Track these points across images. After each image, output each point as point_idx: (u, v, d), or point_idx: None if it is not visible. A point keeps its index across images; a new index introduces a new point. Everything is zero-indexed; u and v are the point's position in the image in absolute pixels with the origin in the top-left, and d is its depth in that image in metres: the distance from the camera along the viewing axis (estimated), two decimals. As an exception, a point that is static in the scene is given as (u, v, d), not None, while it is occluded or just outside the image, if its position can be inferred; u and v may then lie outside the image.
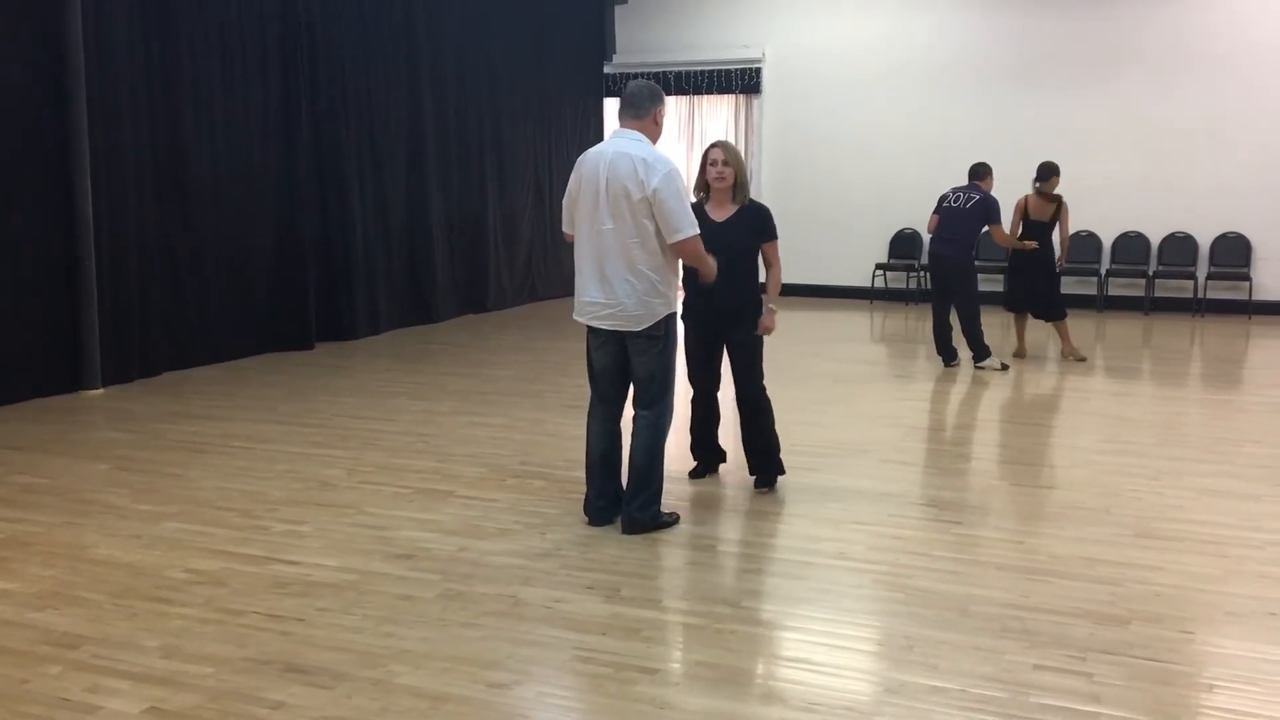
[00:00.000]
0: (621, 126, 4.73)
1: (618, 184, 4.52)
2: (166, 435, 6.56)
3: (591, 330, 4.79)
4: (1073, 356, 9.28)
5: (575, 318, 4.82)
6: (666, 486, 4.95)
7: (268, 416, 7.08)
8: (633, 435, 4.82)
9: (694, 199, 5.24)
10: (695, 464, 5.71)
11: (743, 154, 5.20)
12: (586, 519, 4.89)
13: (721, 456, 5.74)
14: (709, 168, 5.21)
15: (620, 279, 4.60)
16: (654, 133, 4.72)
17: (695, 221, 4.62)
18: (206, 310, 8.77)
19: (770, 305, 5.36)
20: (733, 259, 5.15)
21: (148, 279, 8.20)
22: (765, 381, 5.45)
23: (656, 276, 4.62)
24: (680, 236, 4.56)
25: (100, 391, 7.70)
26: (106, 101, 7.79)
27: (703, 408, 5.58)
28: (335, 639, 3.71)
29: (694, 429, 5.66)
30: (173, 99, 8.38)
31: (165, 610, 3.95)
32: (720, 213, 5.24)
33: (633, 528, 4.76)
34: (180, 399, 7.60)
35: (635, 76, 14.01)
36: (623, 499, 4.85)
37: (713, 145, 5.26)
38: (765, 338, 5.39)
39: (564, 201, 4.84)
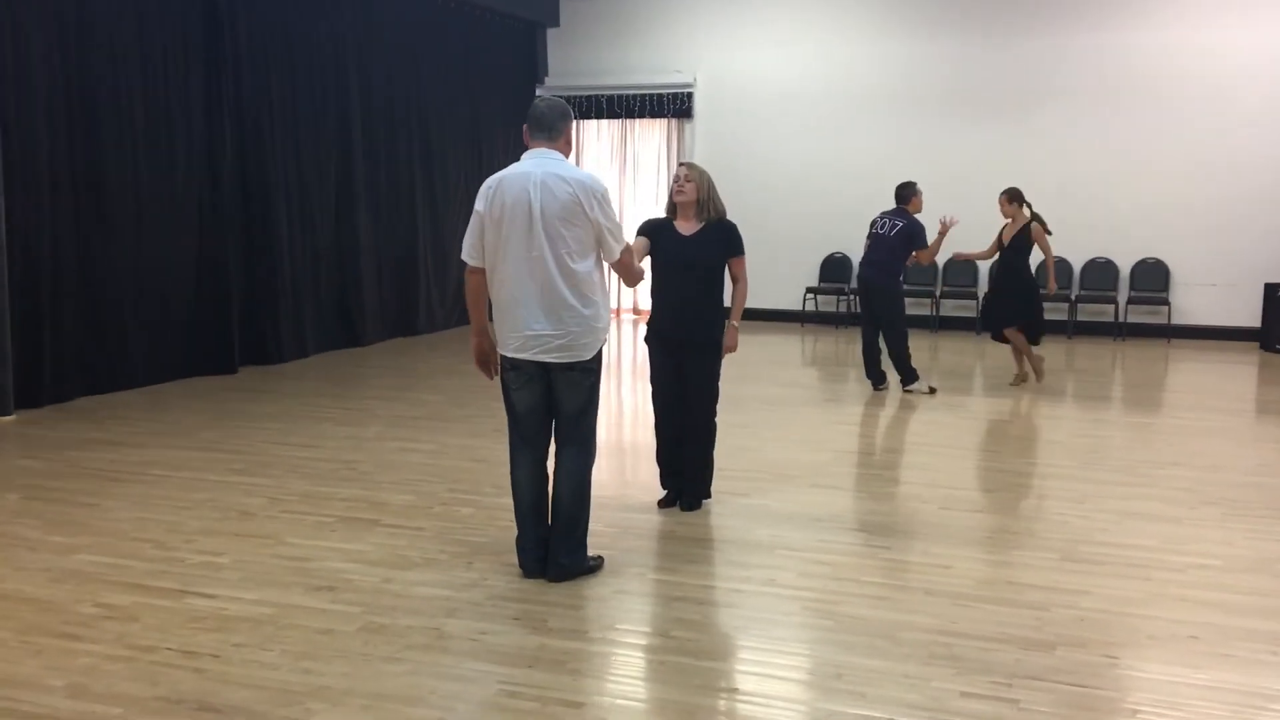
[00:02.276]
0: (534, 146, 4.50)
1: (556, 207, 4.33)
2: (80, 463, 6.36)
3: (514, 368, 4.50)
4: (1021, 380, 9.38)
5: (512, 354, 4.45)
6: (598, 513, 4.86)
7: (187, 443, 6.89)
8: (560, 476, 4.57)
9: (663, 216, 5.45)
10: (665, 493, 5.58)
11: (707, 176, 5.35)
12: (522, 571, 4.58)
13: None
14: (673, 184, 5.35)
15: (567, 306, 4.38)
16: (567, 152, 4.56)
17: (621, 232, 4.57)
18: (124, 333, 8.53)
19: (733, 322, 5.41)
20: (699, 274, 5.29)
21: (62, 300, 7.97)
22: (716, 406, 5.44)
23: (600, 300, 4.49)
24: (618, 254, 4.51)
25: (11, 418, 7.44)
26: (21, 117, 7.57)
27: (671, 427, 5.45)
28: (251, 676, 3.59)
29: (662, 455, 5.53)
30: (91, 114, 8.17)
31: (73, 647, 3.80)
32: (687, 227, 5.34)
33: (561, 575, 4.51)
34: (96, 425, 7.37)
35: (569, 100, 13.97)
36: (551, 543, 4.58)
37: (680, 163, 5.49)
38: (723, 361, 5.41)
39: (471, 229, 4.50)
